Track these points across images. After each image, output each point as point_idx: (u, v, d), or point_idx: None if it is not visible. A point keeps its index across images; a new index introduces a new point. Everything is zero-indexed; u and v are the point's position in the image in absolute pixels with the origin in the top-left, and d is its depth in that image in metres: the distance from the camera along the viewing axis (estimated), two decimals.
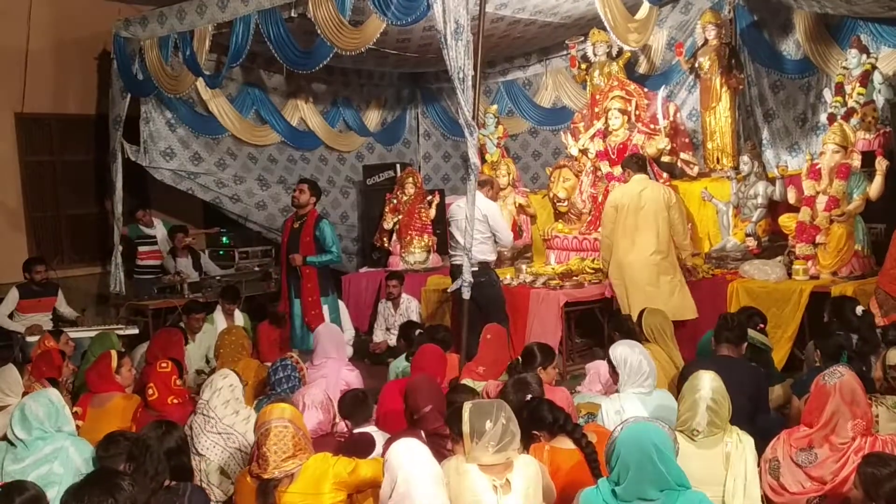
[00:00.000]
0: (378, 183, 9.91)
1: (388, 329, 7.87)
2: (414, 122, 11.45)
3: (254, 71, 9.50)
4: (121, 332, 6.94)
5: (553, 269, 7.44)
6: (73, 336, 6.35)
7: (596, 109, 8.19)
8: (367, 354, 7.76)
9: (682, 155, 7.92)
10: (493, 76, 10.12)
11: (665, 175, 7.75)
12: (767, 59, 7.96)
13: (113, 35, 8.58)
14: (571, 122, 8.66)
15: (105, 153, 9.02)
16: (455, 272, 6.33)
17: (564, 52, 9.21)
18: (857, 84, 6.75)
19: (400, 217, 9.00)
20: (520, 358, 4.70)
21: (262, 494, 3.15)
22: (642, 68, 8.79)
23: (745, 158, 7.25)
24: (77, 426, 4.08)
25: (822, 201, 6.28)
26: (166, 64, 8.13)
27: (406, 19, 6.16)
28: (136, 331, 7.52)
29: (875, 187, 6.13)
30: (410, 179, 9.14)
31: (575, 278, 6.97)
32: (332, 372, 5.14)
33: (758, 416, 4.16)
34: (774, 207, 7.14)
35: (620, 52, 8.26)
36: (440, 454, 3.59)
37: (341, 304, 8.00)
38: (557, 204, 8.16)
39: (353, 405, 4.07)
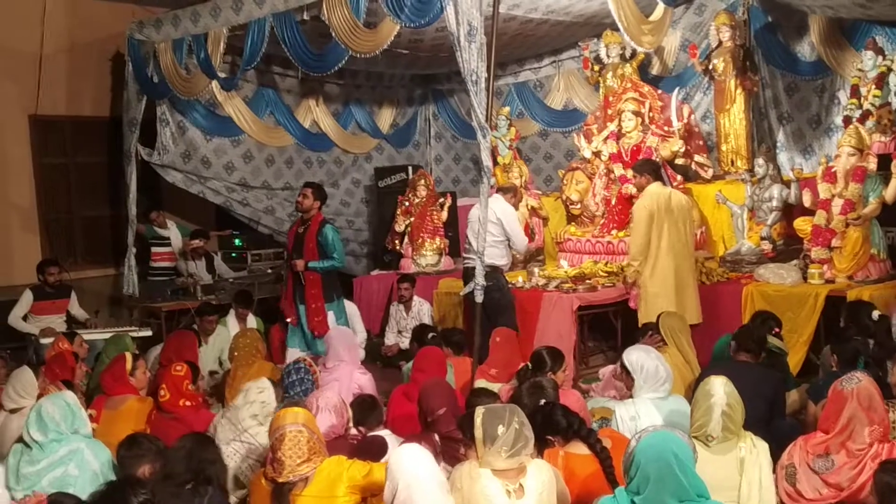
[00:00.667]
0: (390, 185, 9.91)
1: (399, 332, 7.87)
2: (425, 124, 11.46)
3: (268, 73, 9.52)
4: (134, 334, 6.96)
5: (566, 272, 7.41)
6: (87, 338, 6.38)
7: (609, 111, 8.17)
8: (379, 357, 7.76)
9: (697, 157, 7.89)
10: (504, 78, 10.11)
11: (679, 178, 7.72)
12: (782, 60, 7.92)
13: (127, 38, 8.61)
14: (584, 124, 8.64)
15: (118, 155, 9.05)
16: (467, 275, 6.31)
17: (577, 54, 9.21)
18: (873, 86, 6.71)
19: (412, 219, 9.00)
20: (529, 363, 4.67)
21: (277, 498, 3.16)
22: (656, 70, 8.76)
23: (759, 161, 7.21)
24: (92, 428, 4.08)
25: (837, 204, 6.23)
26: (180, 66, 8.15)
27: (419, 21, 6.16)
28: (149, 333, 7.54)
29: (891, 190, 6.09)
30: (422, 182, 9.14)
31: (588, 281, 6.94)
32: (344, 375, 5.14)
33: (774, 421, 4.14)
34: (789, 211, 7.10)
35: (634, 53, 8.24)
36: (454, 458, 3.59)
37: (354, 306, 8.02)
38: (570, 206, 8.15)
39: (361, 411, 4.07)
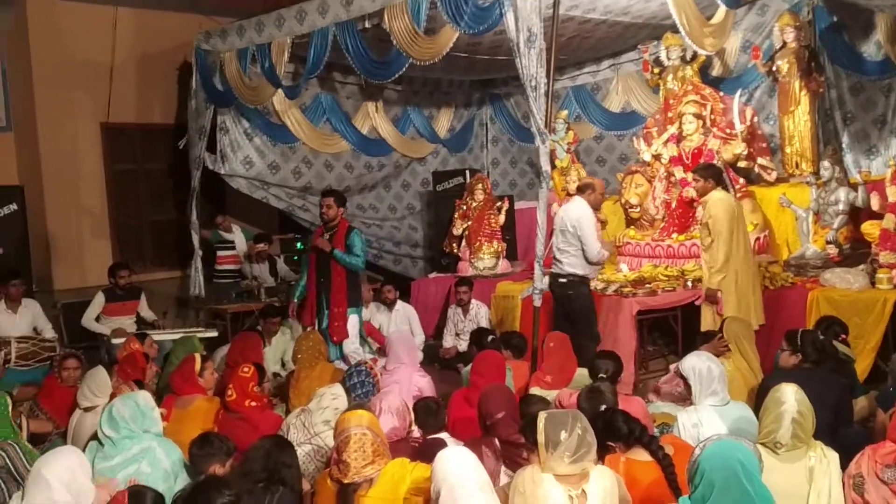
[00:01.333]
0: (447, 189, 9.98)
1: (457, 334, 7.92)
2: (482, 128, 11.51)
3: (327, 80, 9.69)
4: (201, 335, 7.15)
5: (625, 276, 7.36)
6: (157, 339, 6.58)
7: (669, 114, 8.08)
8: (437, 359, 7.82)
9: (760, 160, 7.75)
10: (562, 81, 10.08)
11: (742, 181, 7.60)
12: (847, 60, 7.73)
13: (194, 48, 8.86)
14: (644, 127, 8.56)
15: (185, 162, 9.32)
16: (551, 280, 6.24)
17: (636, 57, 9.14)
18: None
19: (469, 223, 9.05)
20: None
21: (342, 498, 3.22)
22: (716, 71, 8.63)
23: (825, 163, 7.05)
24: (162, 427, 4.22)
25: None
26: (245, 75, 8.35)
27: (479, 28, 6.20)
28: (215, 333, 7.74)
29: None
30: (480, 185, 9.18)
31: (648, 286, 6.88)
32: (404, 377, 5.20)
33: (840, 429, 4.06)
34: (856, 214, 6.92)
35: (695, 55, 8.14)
36: (515, 463, 3.62)
37: (412, 309, 8.12)
38: (629, 210, 8.09)
39: (425, 415, 4.12)
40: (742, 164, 7.63)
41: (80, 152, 9.45)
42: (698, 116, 7.78)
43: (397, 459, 3.28)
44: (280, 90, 8.30)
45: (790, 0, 7.92)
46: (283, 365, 6.99)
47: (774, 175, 7.75)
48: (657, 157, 8.03)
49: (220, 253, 9.22)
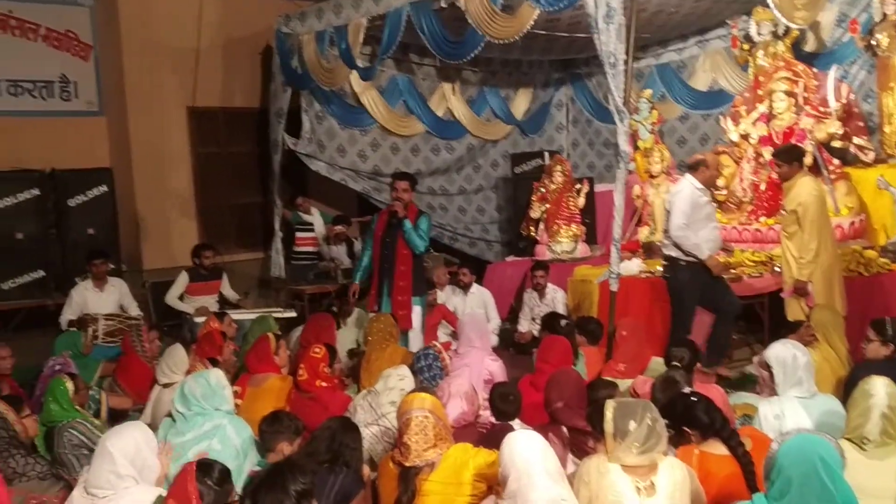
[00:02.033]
0: (525, 171, 9.84)
1: (533, 319, 7.80)
2: (562, 110, 11.30)
3: (404, 62, 9.67)
4: (279, 315, 7.27)
5: None
6: (236, 318, 6.71)
7: (759, 92, 7.74)
8: (511, 344, 7.74)
9: (856, 140, 7.33)
10: (646, 59, 9.79)
11: (836, 162, 7.21)
12: None
13: (275, 31, 8.97)
14: (732, 106, 8.22)
15: (267, 145, 9.48)
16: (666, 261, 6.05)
17: (724, 33, 8.77)
18: None
19: (547, 206, 8.89)
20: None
21: (404, 481, 3.20)
22: (810, 46, 8.20)
23: None
24: (236, 404, 4.29)
25: None
26: (322, 57, 8.41)
27: (558, 6, 6.04)
28: (293, 314, 7.86)
29: None
30: (559, 167, 9.01)
31: (733, 271, 6.60)
32: (475, 361, 5.14)
33: None
34: None
35: (787, 30, 7.74)
36: (582, 451, 3.52)
37: (488, 292, 8.04)
38: (715, 192, 7.77)
39: (500, 402, 4.01)
40: (836, 143, 7.24)
41: (167, 135, 9.71)
42: (790, 94, 7.42)
43: (459, 444, 3.23)
44: (355, 72, 8.32)
45: None
46: (358, 346, 7.03)
47: (872, 156, 7.32)
48: (745, 136, 7.71)
49: (298, 235, 9.34)
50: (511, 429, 3.84)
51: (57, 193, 8.57)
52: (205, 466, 2.85)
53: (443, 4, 7.10)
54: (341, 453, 3.39)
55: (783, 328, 5.29)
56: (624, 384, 4.44)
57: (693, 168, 5.91)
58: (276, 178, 9.21)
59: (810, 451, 2.46)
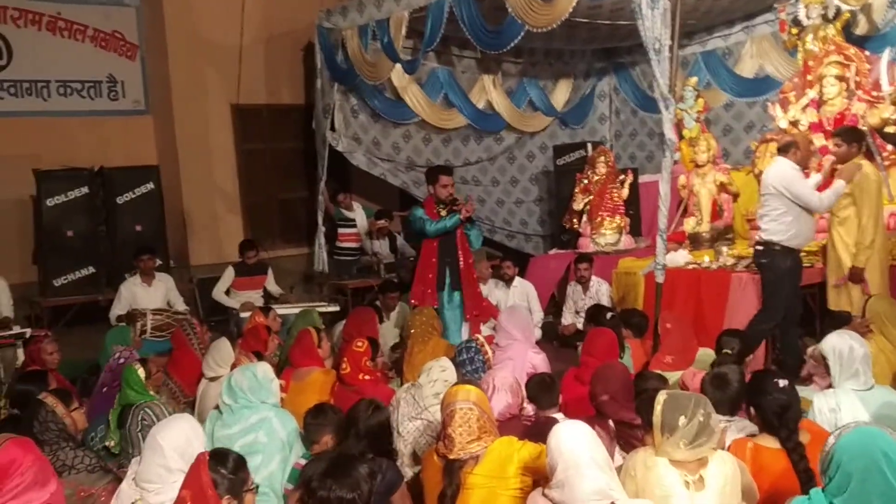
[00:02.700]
0: (568, 163, 9.74)
1: (577, 312, 7.72)
2: (605, 100, 11.16)
3: (444, 55, 9.64)
4: (323, 310, 7.31)
5: None
6: (281, 312, 6.75)
7: (809, 77, 7.51)
8: (555, 337, 7.67)
9: None
10: (691, 46, 9.61)
11: (889, 148, 6.98)
12: None
13: (316, 26, 9.00)
14: (780, 92, 8.01)
15: (311, 141, 9.52)
16: (754, 248, 5.86)
17: (772, 18, 8.56)
18: None
19: (591, 197, 8.78)
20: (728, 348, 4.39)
21: (448, 474, 3.17)
22: (861, 29, 7.93)
23: None
24: (281, 398, 4.31)
25: None
26: (366, 52, 8.41)
27: None
28: (337, 308, 7.90)
29: None
30: (602, 158, 8.89)
31: None
32: (518, 354, 5.09)
33: None
34: None
35: (838, 12, 7.50)
36: (629, 444, 3.46)
37: (531, 285, 7.97)
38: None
39: (539, 389, 4.00)
40: (890, 129, 6.98)
41: (212, 132, 9.84)
42: (841, 79, 7.19)
43: (504, 438, 3.19)
44: (398, 65, 8.30)
45: None
46: (400, 339, 7.03)
47: None
48: (794, 123, 7.49)
49: (340, 230, 9.38)
50: (555, 421, 3.79)
51: (105, 191, 8.73)
52: (219, 455, 2.84)
53: None
54: (376, 438, 3.39)
55: (828, 318, 5.14)
56: (672, 377, 4.36)
57: (784, 150, 5.67)
58: (324, 174, 9.25)
59: (871, 445, 2.35)
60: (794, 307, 5.70)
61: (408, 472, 3.97)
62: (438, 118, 9.81)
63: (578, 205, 8.89)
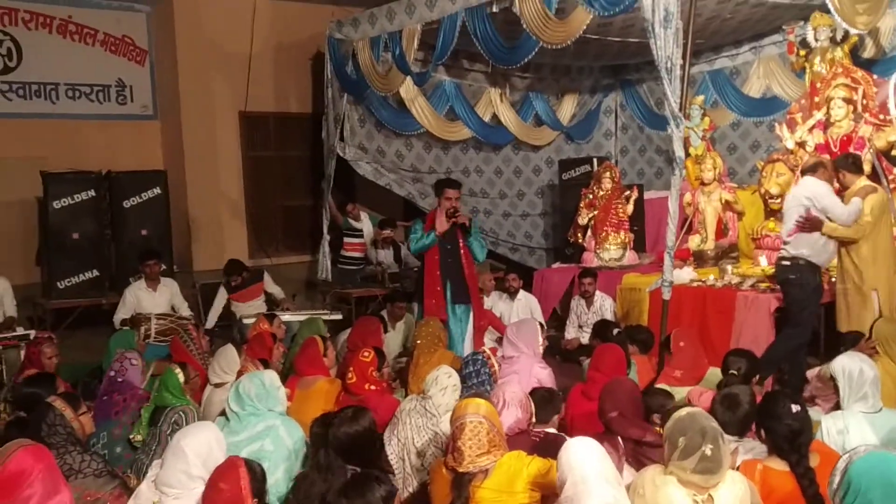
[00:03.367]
0: (573, 178, 9.76)
1: (580, 326, 7.73)
2: (611, 116, 11.20)
3: (452, 68, 9.67)
4: (325, 318, 7.30)
5: (763, 270, 6.94)
6: (285, 320, 6.76)
7: (816, 99, 7.55)
8: (558, 351, 7.66)
9: None
10: (698, 65, 9.64)
11: None
12: None
13: (327, 37, 9.04)
14: (787, 113, 8.05)
15: (318, 149, 9.55)
16: (776, 265, 5.87)
17: (779, 39, 8.60)
18: None
19: (595, 212, 8.80)
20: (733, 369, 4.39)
21: (457, 487, 3.16)
22: (868, 52, 7.99)
23: None
24: (286, 406, 4.30)
25: None
26: (377, 63, 8.44)
27: (614, 10, 5.98)
28: (339, 316, 7.88)
29: None
30: (608, 174, 8.91)
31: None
32: (524, 368, 5.08)
33: None
34: None
35: (846, 35, 7.55)
36: (638, 461, 3.45)
37: (534, 299, 7.99)
38: (770, 201, 7.62)
39: (540, 404, 3.99)
40: None
41: (219, 139, 9.87)
42: (848, 101, 7.23)
43: (513, 452, 3.19)
44: (409, 77, 8.33)
45: None
46: (405, 348, 7.02)
47: None
48: (801, 144, 7.53)
49: (346, 240, 9.39)
50: (564, 438, 3.79)
51: (112, 195, 8.75)
52: (249, 461, 2.94)
53: (494, 10, 7.08)
54: (358, 446, 3.39)
55: (844, 339, 5.15)
56: (679, 392, 4.36)
57: (813, 170, 5.77)
58: (330, 183, 9.27)
59: (889, 471, 2.36)
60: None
61: (414, 483, 3.97)
62: (443, 130, 9.84)
63: (583, 219, 8.90)
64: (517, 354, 5.21)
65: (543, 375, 5.11)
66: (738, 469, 3.07)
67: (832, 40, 7.73)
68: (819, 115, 7.45)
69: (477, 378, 4.64)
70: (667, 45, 5.36)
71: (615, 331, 5.85)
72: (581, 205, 8.98)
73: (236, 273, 7.98)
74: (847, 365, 3.80)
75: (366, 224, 9.43)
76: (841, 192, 6.02)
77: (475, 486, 3.12)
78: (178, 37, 9.52)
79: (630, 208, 8.74)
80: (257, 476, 2.90)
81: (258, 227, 10.27)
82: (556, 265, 9.36)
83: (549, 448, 3.56)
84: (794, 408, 3.17)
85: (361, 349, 4.92)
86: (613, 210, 8.69)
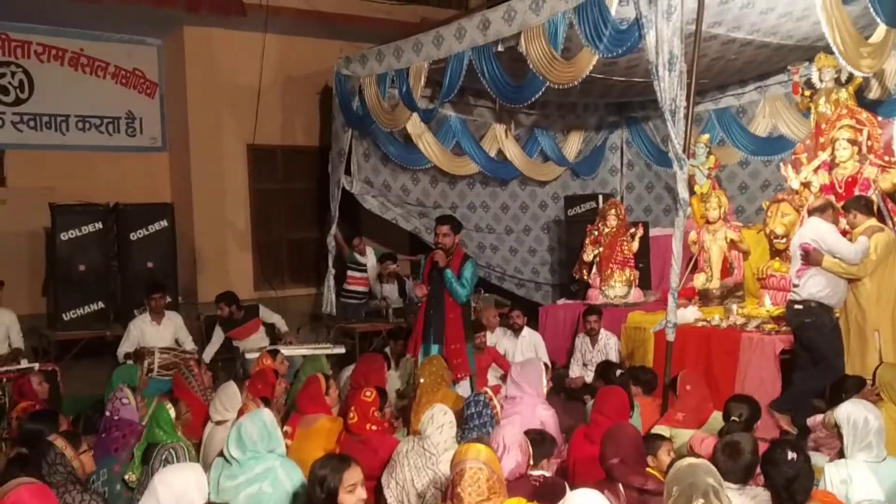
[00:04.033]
0: (579, 214, 9.78)
1: (584, 364, 7.70)
2: (617, 153, 11.25)
3: (458, 104, 9.75)
4: (329, 352, 7.31)
5: (768, 311, 6.92)
6: (287, 354, 6.74)
7: (821, 139, 7.56)
8: (562, 389, 7.62)
9: None
10: (704, 104, 9.72)
11: None
12: None
13: (335, 72, 9.13)
14: (793, 153, 8.07)
15: (325, 182, 9.61)
16: (787, 308, 5.86)
17: (785, 79, 8.66)
18: None
19: (601, 249, 8.81)
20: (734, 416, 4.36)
21: None
22: (874, 94, 8.02)
23: None
24: (287, 445, 4.28)
25: None
26: (383, 100, 8.51)
27: (618, 51, 6.03)
28: (342, 350, 7.86)
29: None
30: (613, 211, 8.93)
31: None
32: (527, 409, 5.05)
33: None
34: None
35: (850, 77, 7.59)
36: None
37: (539, 336, 7.95)
38: (775, 241, 7.61)
39: (534, 446, 3.95)
40: None
41: (227, 171, 9.95)
42: (853, 142, 7.24)
43: (513, 499, 3.16)
44: (415, 114, 8.39)
45: None
46: (407, 385, 6.99)
47: None
48: (806, 184, 7.53)
49: (350, 273, 9.41)
50: (562, 483, 3.76)
51: (119, 227, 8.81)
52: None
53: (500, 49, 7.15)
54: None
55: (847, 384, 5.11)
56: (681, 434, 4.33)
57: (821, 210, 5.87)
58: (335, 218, 9.30)
59: None
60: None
61: None
62: (451, 165, 9.90)
63: (588, 256, 8.91)
64: (520, 395, 5.18)
65: (546, 417, 5.08)
66: None
67: (837, 81, 7.77)
68: (824, 156, 7.45)
69: (479, 419, 4.59)
70: (671, 87, 5.40)
71: (618, 372, 5.82)
72: (586, 241, 8.99)
73: (225, 302, 7.81)
74: (852, 413, 3.77)
75: (370, 259, 9.45)
76: (848, 233, 6.04)
77: None
78: (188, 70, 9.64)
79: (635, 245, 8.75)
80: None
81: (264, 259, 10.31)
82: (560, 301, 9.35)
83: (548, 493, 3.54)
84: (791, 455, 3.16)
85: (364, 388, 4.90)
86: (619, 247, 8.70)
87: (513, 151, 10.29)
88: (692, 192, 8.38)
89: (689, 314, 6.97)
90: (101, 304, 8.56)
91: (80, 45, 9.59)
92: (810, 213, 6.06)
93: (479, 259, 10.30)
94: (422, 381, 5.46)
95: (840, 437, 3.85)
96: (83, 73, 9.65)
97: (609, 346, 7.58)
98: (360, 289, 9.36)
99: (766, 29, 7.24)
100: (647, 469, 3.76)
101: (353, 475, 3.18)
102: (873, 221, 5.91)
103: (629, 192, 11.16)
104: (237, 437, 3.76)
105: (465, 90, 8.96)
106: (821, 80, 7.85)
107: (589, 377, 7.41)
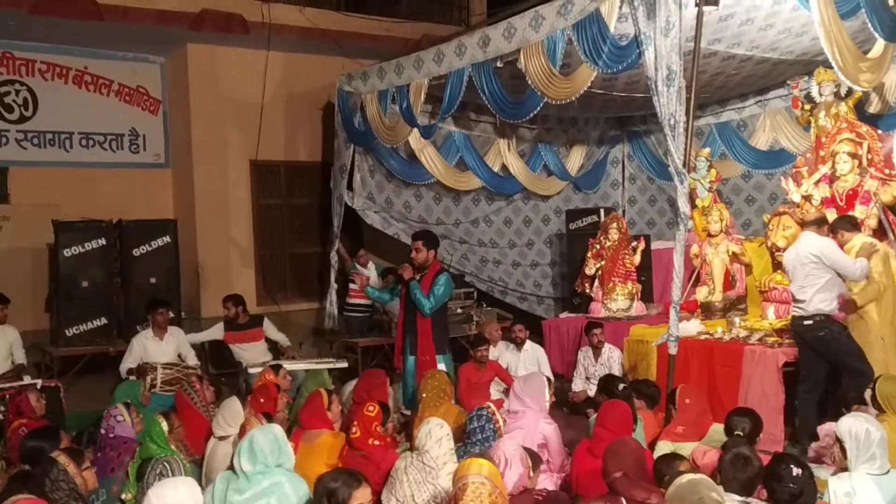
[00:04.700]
0: (581, 228, 9.81)
1: (587, 378, 7.69)
2: (619, 166, 11.29)
3: (461, 119, 9.80)
4: (332, 366, 7.31)
5: (770, 323, 6.93)
6: (290, 368, 6.74)
7: (822, 153, 7.59)
8: (566, 403, 7.61)
9: None
10: (705, 118, 9.77)
11: None
12: None
13: (337, 89, 9.19)
14: (794, 167, 8.09)
15: (327, 197, 9.65)
16: (795, 325, 5.83)
17: (785, 93, 8.69)
18: None
19: (603, 262, 8.82)
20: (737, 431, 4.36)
21: None
22: (873, 108, 8.04)
23: None
24: None
25: None
26: (384, 116, 8.57)
27: (617, 67, 6.07)
28: (345, 365, 7.86)
29: None
30: (615, 224, 8.95)
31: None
32: (530, 423, 5.04)
33: None
34: None
35: (850, 91, 7.62)
36: None
37: (541, 349, 7.95)
38: (776, 253, 7.62)
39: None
40: None
41: (230, 187, 9.99)
42: (853, 156, 7.26)
43: None
44: (416, 129, 8.44)
45: None
46: (410, 401, 6.99)
47: None
48: (807, 198, 7.54)
49: (352, 286, 9.41)
50: (565, 497, 3.77)
51: (122, 243, 8.85)
52: None
53: (499, 64, 7.20)
54: None
55: (849, 395, 5.11)
56: (681, 447, 4.32)
57: (818, 224, 5.90)
58: (338, 233, 9.33)
59: None
60: (821, 382, 5.69)
61: None
62: (454, 180, 9.94)
63: (590, 269, 8.92)
64: (523, 409, 5.17)
65: (549, 431, 5.07)
66: None
67: (836, 95, 7.81)
68: (824, 170, 7.48)
69: (481, 434, 4.60)
70: (670, 103, 5.44)
71: (621, 386, 5.82)
72: (588, 255, 9.01)
73: (232, 303, 7.90)
74: (853, 426, 3.77)
75: (372, 272, 9.45)
76: (842, 246, 6.06)
77: None
78: (192, 87, 9.70)
79: (637, 259, 8.76)
80: None
81: (267, 274, 10.33)
82: (563, 315, 9.35)
83: None
84: (796, 471, 3.16)
85: (367, 403, 4.90)
86: (620, 260, 8.72)
87: (516, 166, 10.33)
88: (694, 206, 8.41)
89: (692, 327, 6.98)
90: (104, 320, 8.57)
91: (84, 62, 9.67)
92: (805, 226, 6.07)
93: (482, 273, 10.32)
94: (424, 395, 5.46)
95: (843, 450, 3.85)
96: (87, 91, 9.72)
97: (612, 359, 7.57)
98: (363, 302, 9.35)
99: (765, 45, 7.28)
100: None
101: (363, 494, 3.20)
102: (863, 237, 5.93)
103: (632, 206, 11.19)
104: (249, 450, 3.73)
105: (466, 105, 9.01)
106: (820, 94, 7.88)
107: (592, 391, 7.39)
